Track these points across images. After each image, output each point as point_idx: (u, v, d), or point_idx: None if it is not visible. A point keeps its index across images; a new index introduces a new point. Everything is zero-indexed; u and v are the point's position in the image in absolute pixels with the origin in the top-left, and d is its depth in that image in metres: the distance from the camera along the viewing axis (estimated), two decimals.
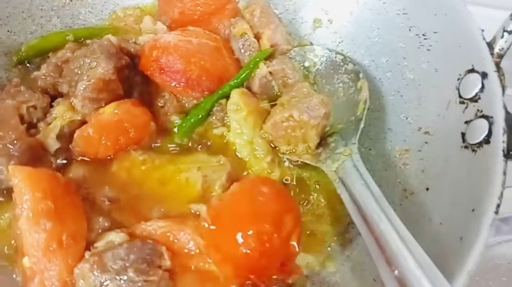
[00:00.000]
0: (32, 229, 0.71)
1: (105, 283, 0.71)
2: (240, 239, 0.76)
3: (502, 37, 0.77)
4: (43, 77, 0.96)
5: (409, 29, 0.94)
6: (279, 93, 1.00)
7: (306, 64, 1.09)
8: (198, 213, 0.83)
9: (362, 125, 0.92)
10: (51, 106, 0.94)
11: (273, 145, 0.95)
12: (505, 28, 0.77)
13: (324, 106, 0.91)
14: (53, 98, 0.96)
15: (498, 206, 0.66)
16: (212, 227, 0.79)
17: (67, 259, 0.73)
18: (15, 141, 0.85)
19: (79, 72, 0.92)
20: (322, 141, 0.95)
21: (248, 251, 0.75)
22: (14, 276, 0.78)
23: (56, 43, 1.02)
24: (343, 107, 0.99)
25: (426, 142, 0.87)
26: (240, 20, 1.05)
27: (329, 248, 0.87)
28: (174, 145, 0.96)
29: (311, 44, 1.12)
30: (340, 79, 1.03)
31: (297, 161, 0.94)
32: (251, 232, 0.75)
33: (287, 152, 0.95)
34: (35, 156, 0.87)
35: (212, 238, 0.79)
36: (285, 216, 0.79)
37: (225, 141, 0.96)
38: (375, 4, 1.01)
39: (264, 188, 0.82)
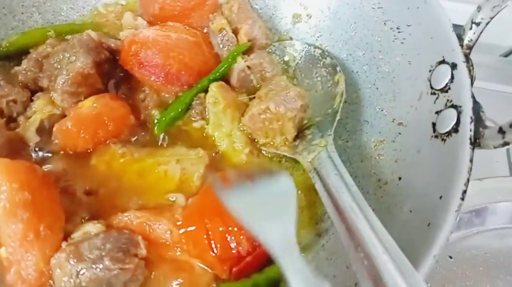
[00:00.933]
0: (9, 220, 0.72)
1: (81, 272, 0.71)
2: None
3: (471, 28, 0.79)
4: (24, 72, 0.97)
5: (384, 23, 0.95)
6: (257, 87, 1.02)
7: (286, 58, 1.10)
8: (174, 201, 0.86)
9: (338, 117, 0.93)
10: (31, 101, 0.95)
11: (251, 137, 0.96)
12: (473, 20, 0.78)
13: (301, 99, 0.92)
14: (33, 92, 0.97)
15: (465, 192, 0.67)
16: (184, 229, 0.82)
17: (44, 250, 0.74)
18: None
19: (59, 66, 0.93)
20: (300, 134, 0.96)
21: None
22: None
23: (37, 39, 1.03)
24: (321, 100, 1.00)
25: (399, 133, 0.88)
26: (218, 16, 1.06)
27: (305, 238, 0.89)
28: (153, 138, 0.97)
29: (291, 39, 1.13)
30: (319, 73, 1.05)
31: (275, 153, 0.95)
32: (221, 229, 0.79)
33: (266, 145, 0.96)
34: (14, 149, 0.88)
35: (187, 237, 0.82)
36: None
37: (204, 134, 0.97)
38: None
39: None
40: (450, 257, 1.03)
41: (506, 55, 1.58)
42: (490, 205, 1.06)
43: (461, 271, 1.03)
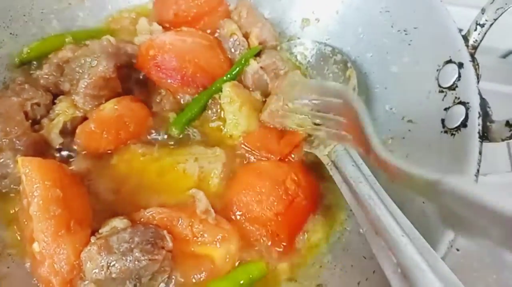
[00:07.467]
0: (42, 215, 0.75)
1: (112, 263, 0.75)
2: None
3: (476, 29, 0.84)
4: (46, 76, 1.00)
5: (391, 26, 1.00)
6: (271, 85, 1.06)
7: (298, 57, 1.15)
8: (194, 197, 0.88)
9: None
10: (54, 103, 0.98)
11: None
12: (478, 22, 0.83)
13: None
14: (54, 96, 1.00)
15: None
16: None
17: (75, 244, 0.77)
18: (21, 136, 0.89)
19: (80, 70, 0.96)
20: None
21: None
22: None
23: (56, 45, 1.06)
24: None
25: (409, 130, 0.92)
26: (228, 21, 1.11)
27: (320, 231, 0.92)
28: (171, 139, 1.00)
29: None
30: (330, 69, 1.10)
31: None
32: None
33: None
34: (39, 150, 0.91)
35: None
36: None
37: (221, 133, 1.00)
38: (359, 3, 1.08)
39: None
40: (457, 250, 1.07)
41: (504, 56, 1.64)
42: None
43: (468, 263, 1.07)
